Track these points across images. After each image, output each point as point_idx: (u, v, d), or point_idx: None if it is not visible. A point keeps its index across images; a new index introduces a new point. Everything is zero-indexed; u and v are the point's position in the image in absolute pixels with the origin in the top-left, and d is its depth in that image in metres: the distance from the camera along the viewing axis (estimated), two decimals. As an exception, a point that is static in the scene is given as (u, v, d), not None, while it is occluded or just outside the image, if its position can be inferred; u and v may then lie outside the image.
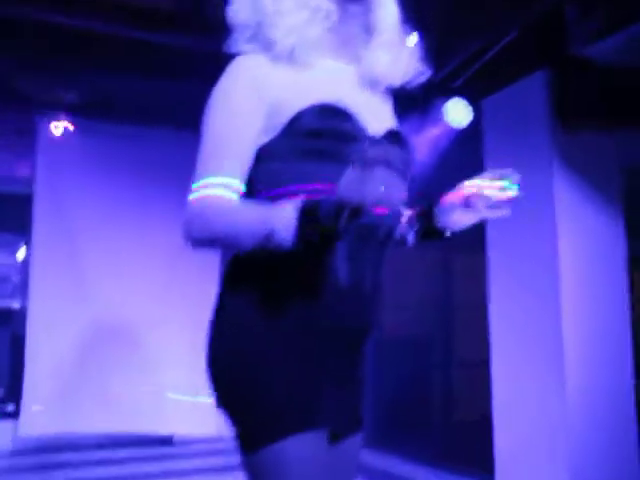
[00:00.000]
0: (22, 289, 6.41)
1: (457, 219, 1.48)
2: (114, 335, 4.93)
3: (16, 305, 6.39)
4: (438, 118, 4.02)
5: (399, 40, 1.47)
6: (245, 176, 1.30)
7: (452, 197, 1.48)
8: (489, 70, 3.87)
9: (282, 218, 1.16)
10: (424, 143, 4.07)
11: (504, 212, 1.47)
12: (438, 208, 1.50)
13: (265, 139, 1.29)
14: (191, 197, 1.27)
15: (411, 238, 1.54)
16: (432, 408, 5.57)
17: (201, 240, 1.26)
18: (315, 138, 1.27)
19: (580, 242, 3.66)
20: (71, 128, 4.80)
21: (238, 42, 1.39)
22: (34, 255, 4.88)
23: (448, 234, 1.52)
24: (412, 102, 4.25)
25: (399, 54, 1.47)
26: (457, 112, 4.00)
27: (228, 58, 1.34)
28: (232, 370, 1.30)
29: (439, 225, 1.50)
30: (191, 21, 3.41)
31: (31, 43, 3.82)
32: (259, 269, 1.30)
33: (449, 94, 3.98)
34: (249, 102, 1.29)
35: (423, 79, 1.51)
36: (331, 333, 1.31)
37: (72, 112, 4.72)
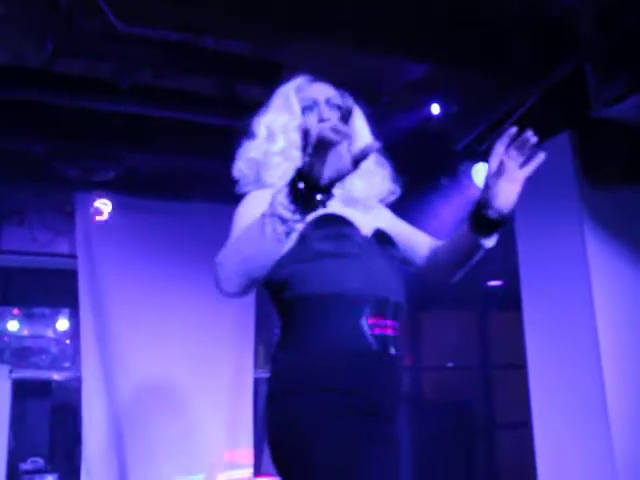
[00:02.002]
0: (60, 360, 6.52)
1: (504, 193, 1.58)
2: (156, 404, 4.97)
3: (56, 376, 6.46)
4: (467, 182, 4.08)
5: (373, 167, 1.78)
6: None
7: (486, 177, 1.61)
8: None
9: (270, 202, 1.35)
10: (454, 207, 4.12)
11: (539, 158, 1.60)
12: (483, 192, 1.61)
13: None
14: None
15: (481, 240, 1.64)
16: (476, 472, 5.46)
17: (228, 277, 1.42)
18: (325, 241, 1.58)
19: (616, 300, 3.63)
20: (109, 205, 4.97)
21: (244, 187, 1.76)
22: (83, 328, 5.00)
23: (505, 213, 1.60)
24: (441, 167, 4.34)
25: (373, 179, 1.78)
26: (484, 175, 4.06)
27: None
28: (285, 442, 1.52)
29: (493, 211, 1.59)
30: (225, 103, 3.56)
31: (68, 126, 4.01)
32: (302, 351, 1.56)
33: (476, 158, 4.05)
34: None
35: (395, 197, 1.83)
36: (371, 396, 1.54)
37: (109, 190, 4.90)
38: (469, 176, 4.10)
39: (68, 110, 3.83)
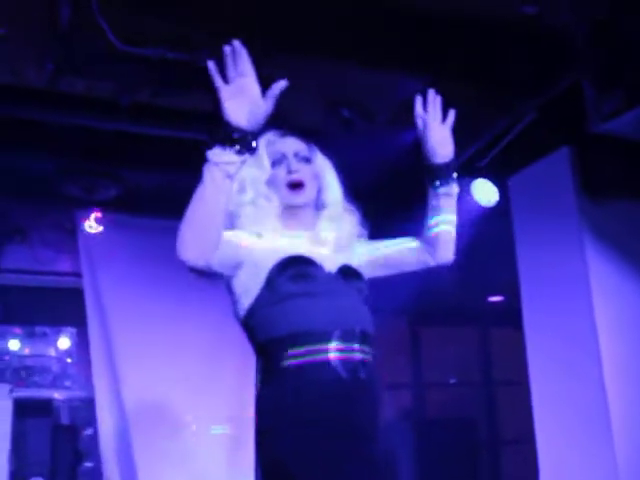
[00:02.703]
0: (62, 379, 6.51)
1: (438, 142, 1.88)
2: (156, 423, 4.97)
3: (57, 395, 6.44)
4: (466, 198, 4.08)
5: (343, 213, 1.94)
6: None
7: (418, 134, 1.92)
8: (513, 149, 3.96)
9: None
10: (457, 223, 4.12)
11: (452, 114, 1.92)
12: (423, 148, 1.91)
13: (251, 299, 1.74)
14: None
15: (442, 189, 1.92)
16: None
17: (184, 240, 1.61)
18: (290, 282, 1.70)
19: (618, 315, 3.63)
20: (110, 223, 5.00)
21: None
22: (92, 346, 5.02)
23: (449, 159, 1.91)
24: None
25: (342, 225, 1.92)
26: (484, 191, 4.07)
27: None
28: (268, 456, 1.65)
29: (437, 157, 1.89)
30: (219, 118, 3.56)
31: (69, 145, 4.03)
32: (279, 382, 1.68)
33: (475, 174, 4.06)
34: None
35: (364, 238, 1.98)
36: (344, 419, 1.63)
37: (110, 208, 4.91)
38: (468, 192, 4.10)
39: (69, 129, 3.85)
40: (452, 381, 5.93)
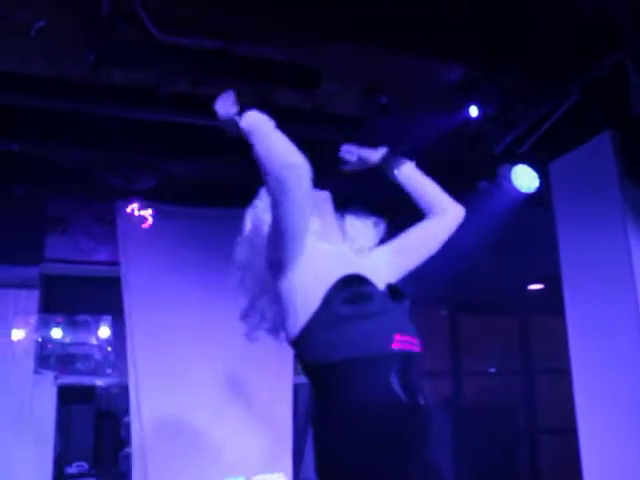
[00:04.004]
0: (103, 367, 6.62)
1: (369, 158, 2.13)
2: (199, 408, 5.02)
3: (99, 382, 6.57)
4: (506, 185, 4.03)
5: (367, 222, 2.04)
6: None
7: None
8: (554, 134, 3.89)
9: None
10: (494, 209, 4.08)
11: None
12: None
13: (305, 318, 1.72)
14: None
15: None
16: (519, 478, 5.38)
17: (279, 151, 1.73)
18: (345, 304, 1.69)
19: (663, 302, 3.55)
20: (149, 213, 5.05)
21: None
22: (129, 335, 5.09)
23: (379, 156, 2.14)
24: (480, 170, 4.29)
25: (368, 232, 2.02)
26: (524, 177, 4.01)
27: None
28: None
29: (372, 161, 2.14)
30: (262, 110, 3.56)
31: (109, 136, 4.07)
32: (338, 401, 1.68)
33: (516, 160, 4.00)
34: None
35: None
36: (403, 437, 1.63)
37: (150, 198, 4.97)
38: (508, 179, 4.05)
39: (109, 120, 3.89)
40: (491, 370, 5.88)
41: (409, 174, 2.09)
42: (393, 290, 1.84)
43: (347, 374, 1.66)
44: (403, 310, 1.81)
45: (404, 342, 1.72)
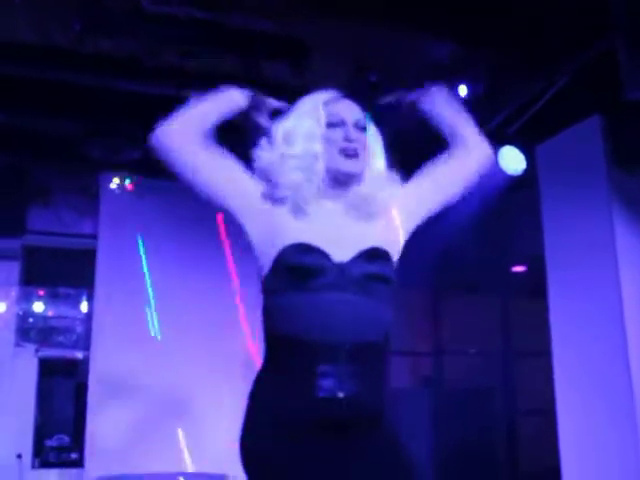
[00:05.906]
0: (85, 340, 6.60)
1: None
2: (172, 382, 5.00)
3: (80, 355, 6.54)
4: (493, 165, 4.02)
5: (384, 170, 1.80)
6: None
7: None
8: (542, 117, 3.88)
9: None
10: (480, 190, 4.07)
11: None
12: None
13: (261, 273, 1.64)
14: None
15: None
16: (497, 459, 5.44)
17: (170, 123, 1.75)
18: (293, 273, 1.56)
19: (644, 286, 3.59)
20: (131, 186, 5.02)
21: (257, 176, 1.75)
22: (96, 308, 5.04)
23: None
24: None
25: (383, 182, 1.77)
26: (510, 159, 4.01)
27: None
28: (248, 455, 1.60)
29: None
30: (251, 83, 3.53)
31: (94, 106, 4.01)
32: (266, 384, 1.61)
33: (504, 141, 3.99)
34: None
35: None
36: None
37: (133, 170, 4.92)
38: (496, 159, 4.04)
39: (94, 90, 3.83)
40: (472, 351, 5.92)
41: (443, 104, 1.98)
42: (370, 254, 1.62)
43: (275, 353, 1.61)
44: (362, 288, 1.58)
45: (342, 329, 1.54)
